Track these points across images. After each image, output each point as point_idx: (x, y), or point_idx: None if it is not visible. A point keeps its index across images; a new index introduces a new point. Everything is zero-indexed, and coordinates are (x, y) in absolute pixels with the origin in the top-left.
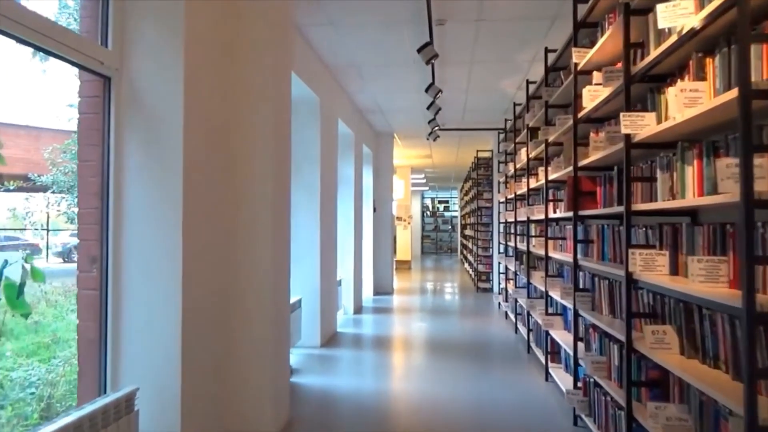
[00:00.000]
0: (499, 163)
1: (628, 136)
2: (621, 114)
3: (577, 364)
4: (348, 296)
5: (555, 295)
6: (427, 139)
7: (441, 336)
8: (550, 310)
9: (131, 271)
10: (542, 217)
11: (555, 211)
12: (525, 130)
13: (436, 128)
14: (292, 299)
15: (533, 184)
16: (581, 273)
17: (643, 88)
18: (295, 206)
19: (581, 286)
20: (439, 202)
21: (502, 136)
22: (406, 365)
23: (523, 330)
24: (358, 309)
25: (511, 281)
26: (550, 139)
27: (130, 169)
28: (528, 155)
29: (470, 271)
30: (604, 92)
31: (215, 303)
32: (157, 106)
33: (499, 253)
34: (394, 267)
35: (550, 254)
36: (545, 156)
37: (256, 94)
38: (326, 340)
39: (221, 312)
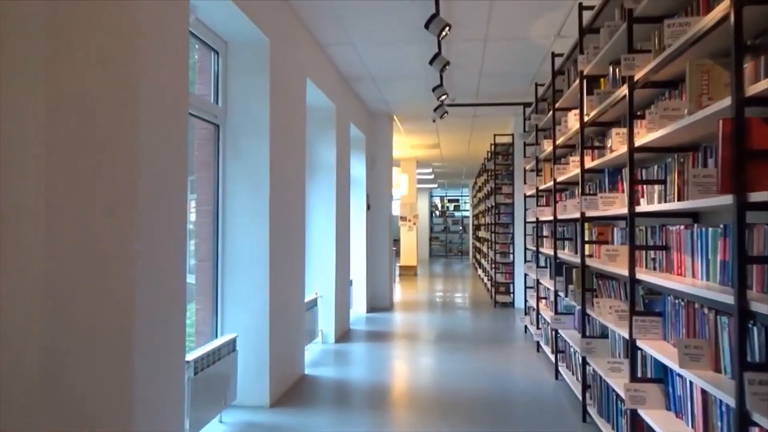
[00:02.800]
0: (526, 145)
1: None
2: None
3: None
4: (328, 319)
5: (653, 350)
6: (434, 120)
7: (452, 383)
8: (630, 366)
9: None
10: (620, 211)
11: (638, 201)
12: (576, 81)
13: (444, 98)
14: (223, 339)
15: (592, 162)
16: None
17: None
18: (231, 200)
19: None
20: (449, 200)
21: (529, 110)
22: None
23: (570, 380)
24: (344, 335)
25: (545, 300)
26: (640, 74)
27: None
28: (582, 119)
29: (485, 280)
30: None
31: None
32: None
33: (526, 261)
34: (397, 274)
35: (641, 275)
36: (629, 107)
37: None
38: (283, 393)
39: None
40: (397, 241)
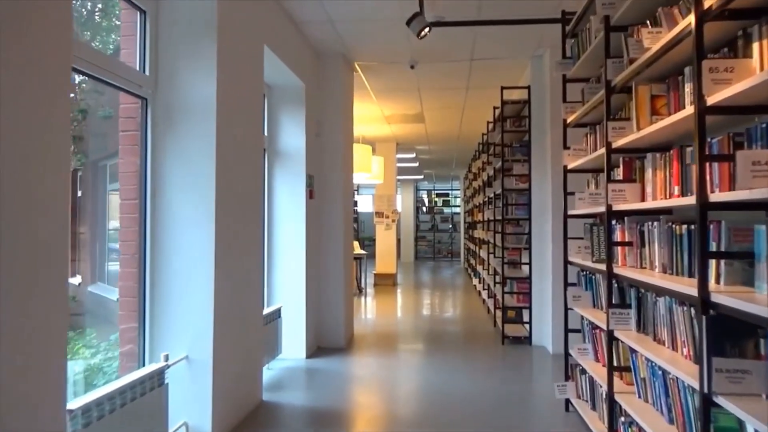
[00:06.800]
0: (567, 83)
1: None
2: None
3: None
4: (200, 401)
5: None
6: (412, 66)
7: None
8: None
9: None
10: None
11: None
12: None
13: None
14: None
15: None
16: None
17: None
18: None
19: None
20: (437, 195)
21: (575, 19)
22: None
23: None
24: (240, 424)
25: (631, 376)
26: None
27: None
28: None
29: (483, 295)
30: None
31: None
32: None
33: (568, 285)
34: (371, 284)
35: None
36: None
37: None
38: None
39: None
40: (372, 242)
